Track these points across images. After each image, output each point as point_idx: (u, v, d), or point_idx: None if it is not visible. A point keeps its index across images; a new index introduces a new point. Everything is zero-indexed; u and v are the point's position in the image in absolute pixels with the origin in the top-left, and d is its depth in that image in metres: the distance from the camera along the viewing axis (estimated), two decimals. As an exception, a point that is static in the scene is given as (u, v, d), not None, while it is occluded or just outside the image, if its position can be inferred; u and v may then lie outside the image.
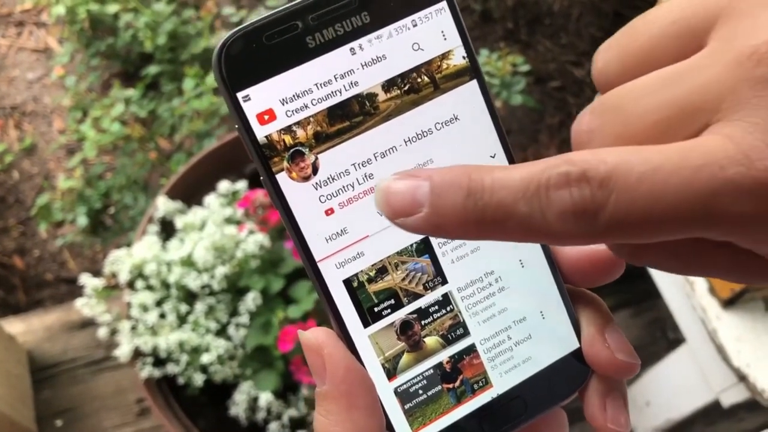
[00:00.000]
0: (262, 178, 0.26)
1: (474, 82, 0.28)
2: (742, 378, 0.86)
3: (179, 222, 1.00)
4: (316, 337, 0.26)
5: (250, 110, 0.25)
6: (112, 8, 1.49)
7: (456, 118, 0.27)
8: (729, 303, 0.88)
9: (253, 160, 0.26)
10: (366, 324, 0.27)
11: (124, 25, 1.50)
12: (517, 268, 0.29)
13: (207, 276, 0.94)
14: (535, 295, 0.29)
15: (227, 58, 0.25)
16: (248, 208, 0.99)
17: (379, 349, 0.27)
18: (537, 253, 0.29)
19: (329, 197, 0.26)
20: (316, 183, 0.26)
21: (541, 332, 0.29)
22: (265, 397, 0.92)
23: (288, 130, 0.26)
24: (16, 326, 1.26)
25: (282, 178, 0.26)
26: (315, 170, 0.26)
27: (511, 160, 0.28)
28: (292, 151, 0.26)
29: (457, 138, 0.27)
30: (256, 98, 0.25)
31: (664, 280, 1.01)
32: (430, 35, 0.27)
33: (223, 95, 0.25)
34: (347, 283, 0.27)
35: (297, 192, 0.26)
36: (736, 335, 0.88)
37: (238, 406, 0.95)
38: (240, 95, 0.25)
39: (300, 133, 0.26)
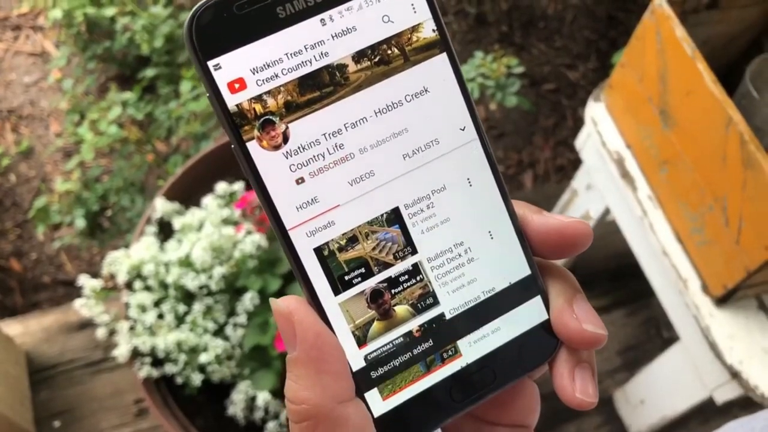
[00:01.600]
0: (233, 146, 0.26)
1: (444, 55, 0.28)
2: (734, 375, 0.87)
3: (177, 223, 1.01)
4: (287, 304, 0.26)
5: (221, 79, 0.26)
6: (108, 12, 1.50)
7: (426, 90, 0.28)
8: (722, 301, 0.89)
9: (224, 129, 0.26)
10: (336, 292, 0.27)
11: (121, 28, 1.51)
12: (486, 240, 0.29)
13: (205, 276, 0.95)
14: (504, 267, 0.29)
15: (198, 26, 0.25)
16: (245, 208, 1.00)
17: (350, 316, 0.28)
18: (506, 225, 0.29)
19: (299, 166, 0.27)
20: (287, 152, 0.26)
21: (511, 303, 0.29)
22: (263, 397, 0.93)
23: (258, 98, 0.26)
24: (13, 328, 1.27)
25: (253, 147, 0.26)
26: (285, 139, 0.26)
27: (480, 134, 0.29)
28: (262, 119, 0.26)
29: (427, 110, 0.28)
30: (227, 67, 0.26)
31: (658, 279, 1.02)
32: (400, 8, 0.27)
33: (194, 63, 0.26)
34: (318, 251, 0.27)
35: (267, 160, 0.26)
36: (729, 333, 0.88)
37: (235, 405, 0.95)
38: (211, 64, 0.25)
39: (270, 102, 0.26)
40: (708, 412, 1.18)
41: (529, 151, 1.73)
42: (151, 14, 1.45)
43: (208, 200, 1.03)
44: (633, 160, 0.99)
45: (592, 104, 1.06)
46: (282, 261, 0.98)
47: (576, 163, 1.63)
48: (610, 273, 1.37)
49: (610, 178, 1.04)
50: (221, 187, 1.05)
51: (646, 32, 0.91)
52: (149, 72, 1.45)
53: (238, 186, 1.05)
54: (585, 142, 1.11)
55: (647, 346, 1.34)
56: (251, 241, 0.95)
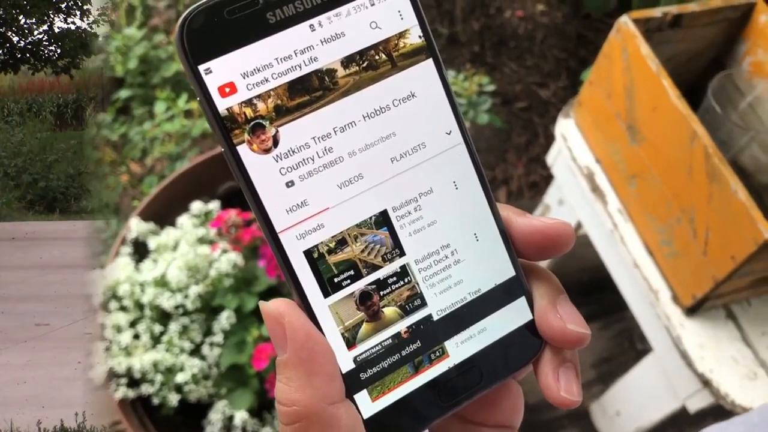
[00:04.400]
0: (223, 150, 0.26)
1: (430, 61, 0.29)
2: (705, 383, 0.89)
3: (152, 243, 1.01)
4: (276, 306, 0.26)
5: (212, 83, 0.26)
6: (82, 33, 1.50)
7: (413, 95, 0.28)
8: (691, 311, 0.91)
9: (214, 133, 0.26)
10: (326, 294, 0.28)
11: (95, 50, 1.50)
12: (472, 242, 0.30)
13: (181, 296, 0.95)
14: (489, 269, 0.30)
15: (189, 31, 0.26)
16: (221, 227, 1.00)
17: (339, 318, 0.28)
18: (491, 227, 0.30)
19: (289, 170, 0.27)
20: (277, 155, 0.27)
21: (496, 304, 0.30)
22: (240, 416, 0.93)
23: (249, 102, 0.26)
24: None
25: (243, 150, 0.26)
26: (275, 143, 0.27)
27: (466, 138, 0.29)
28: (252, 123, 0.26)
29: (414, 114, 0.29)
30: (218, 71, 0.26)
31: (630, 291, 1.03)
32: (388, 14, 0.28)
33: (185, 68, 0.26)
34: (308, 254, 0.27)
35: (258, 164, 0.26)
36: (699, 342, 0.90)
37: (213, 425, 0.95)
38: (201, 68, 0.26)
39: (260, 106, 0.26)
40: (682, 423, 1.19)
41: (502, 168, 1.75)
42: (125, 36, 1.45)
43: (183, 220, 1.03)
44: (603, 175, 1.01)
45: (561, 121, 1.08)
46: (258, 279, 0.98)
47: (549, 179, 1.66)
48: (582, 286, 1.39)
49: (580, 192, 1.06)
50: (196, 206, 1.05)
51: (612, 50, 0.94)
52: (123, 93, 1.45)
53: (213, 205, 1.05)
54: (556, 158, 1.13)
55: (621, 358, 1.35)
56: (227, 259, 0.96)
